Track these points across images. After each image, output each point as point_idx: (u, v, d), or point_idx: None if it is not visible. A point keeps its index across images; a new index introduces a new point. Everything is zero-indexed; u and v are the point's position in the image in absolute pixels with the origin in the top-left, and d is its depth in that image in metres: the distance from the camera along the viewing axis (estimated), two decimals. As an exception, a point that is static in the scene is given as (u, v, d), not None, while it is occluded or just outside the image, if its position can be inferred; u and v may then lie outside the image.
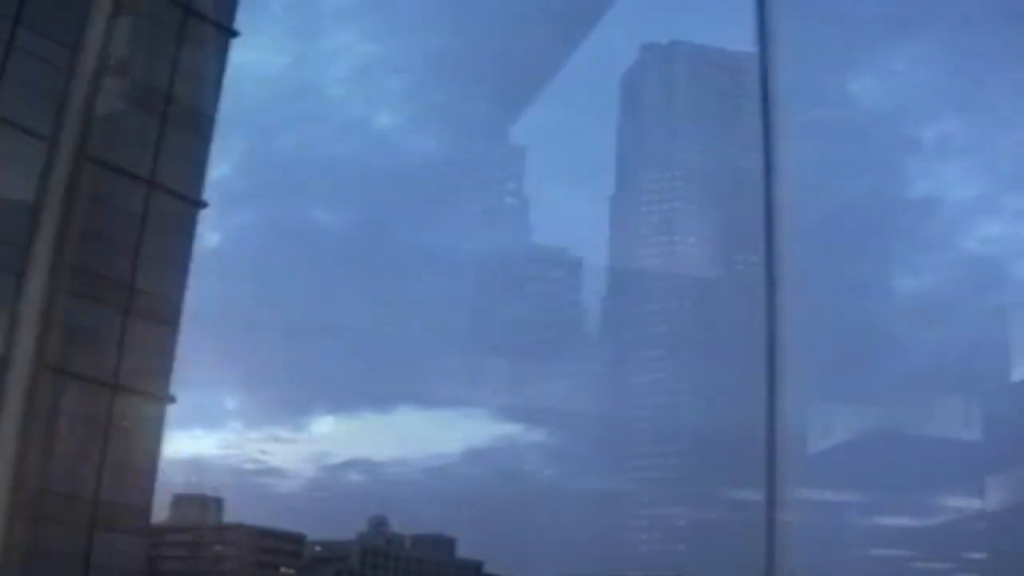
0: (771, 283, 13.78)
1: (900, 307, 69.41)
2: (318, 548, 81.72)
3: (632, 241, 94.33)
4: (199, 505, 79.56)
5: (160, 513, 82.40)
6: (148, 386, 17.53)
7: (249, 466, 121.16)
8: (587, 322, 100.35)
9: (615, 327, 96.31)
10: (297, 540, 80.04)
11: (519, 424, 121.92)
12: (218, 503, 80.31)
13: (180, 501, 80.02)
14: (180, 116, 18.54)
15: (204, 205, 18.90)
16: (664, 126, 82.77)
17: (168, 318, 17.91)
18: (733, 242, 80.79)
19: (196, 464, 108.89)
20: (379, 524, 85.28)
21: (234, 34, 20.34)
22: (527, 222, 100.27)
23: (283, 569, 79.77)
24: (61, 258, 16.67)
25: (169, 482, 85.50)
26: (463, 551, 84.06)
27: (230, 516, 79.31)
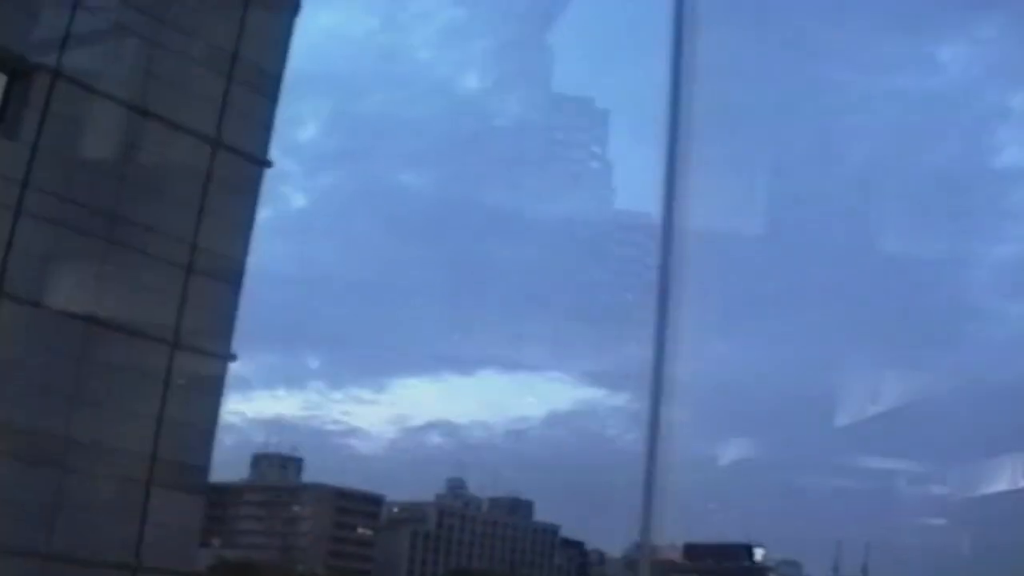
0: (668, 231, 13.69)
1: (986, 276, 68.25)
2: (395, 509, 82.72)
3: (714, 204, 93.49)
4: (278, 465, 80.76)
5: (239, 472, 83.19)
6: (208, 344, 17.55)
7: (331, 427, 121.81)
8: (669, 285, 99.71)
9: (698, 290, 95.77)
10: (375, 501, 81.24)
11: (601, 388, 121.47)
12: (297, 463, 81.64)
13: (259, 461, 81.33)
14: (245, 75, 18.49)
15: (269, 164, 18.85)
16: (748, 92, 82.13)
17: (230, 277, 17.91)
18: (815, 206, 79.91)
19: (279, 424, 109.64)
20: (456, 486, 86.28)
21: (302, -6, 20.38)
22: (611, 185, 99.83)
23: (360, 530, 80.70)
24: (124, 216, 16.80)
25: (250, 442, 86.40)
26: (541, 514, 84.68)
27: (310, 476, 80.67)
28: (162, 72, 17.59)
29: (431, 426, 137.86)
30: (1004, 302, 58.84)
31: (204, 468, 17.42)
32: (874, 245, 68.63)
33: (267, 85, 19.42)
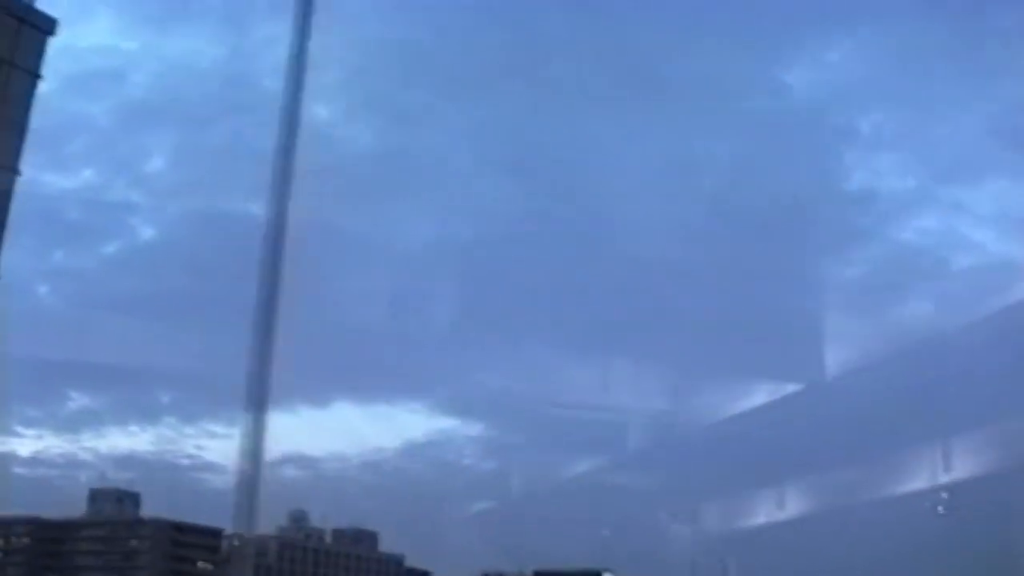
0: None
1: (833, 298, 68.86)
2: (236, 542, 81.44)
3: (574, 224, 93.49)
4: (115, 499, 79.40)
5: (77, 508, 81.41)
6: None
7: (184, 461, 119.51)
8: (531, 310, 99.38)
9: (575, 311, 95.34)
10: (214, 534, 79.98)
11: (456, 418, 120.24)
12: (134, 498, 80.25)
13: (96, 496, 79.88)
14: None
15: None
16: (599, 119, 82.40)
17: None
18: (668, 232, 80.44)
19: (131, 460, 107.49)
20: (299, 519, 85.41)
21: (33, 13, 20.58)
22: (468, 210, 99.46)
23: (200, 563, 79.60)
24: None
25: (102, 478, 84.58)
26: (388, 545, 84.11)
27: (158, 511, 79.30)
28: None
29: (286, 459, 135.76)
30: (851, 324, 59.20)
31: None
32: (722, 267, 68.92)
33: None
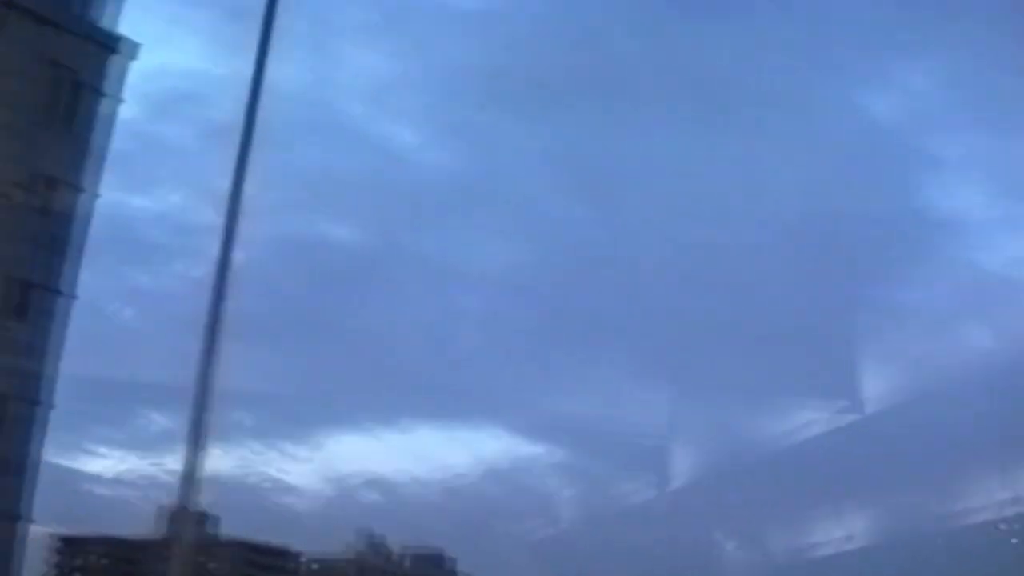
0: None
1: (916, 324, 68.08)
2: (314, 565, 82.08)
3: (645, 247, 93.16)
4: (194, 521, 79.99)
5: (156, 529, 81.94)
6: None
7: (267, 485, 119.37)
8: (604, 334, 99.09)
9: (622, 336, 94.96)
10: (291, 556, 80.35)
11: (539, 444, 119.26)
12: (213, 519, 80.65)
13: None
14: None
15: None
16: (674, 138, 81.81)
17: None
18: (742, 256, 79.89)
19: (213, 483, 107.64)
20: (377, 542, 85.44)
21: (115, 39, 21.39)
22: (545, 235, 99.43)
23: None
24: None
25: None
26: (466, 569, 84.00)
27: (243, 533, 79.62)
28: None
29: (368, 483, 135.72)
30: (928, 349, 58.51)
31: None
32: (797, 293, 68.34)
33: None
